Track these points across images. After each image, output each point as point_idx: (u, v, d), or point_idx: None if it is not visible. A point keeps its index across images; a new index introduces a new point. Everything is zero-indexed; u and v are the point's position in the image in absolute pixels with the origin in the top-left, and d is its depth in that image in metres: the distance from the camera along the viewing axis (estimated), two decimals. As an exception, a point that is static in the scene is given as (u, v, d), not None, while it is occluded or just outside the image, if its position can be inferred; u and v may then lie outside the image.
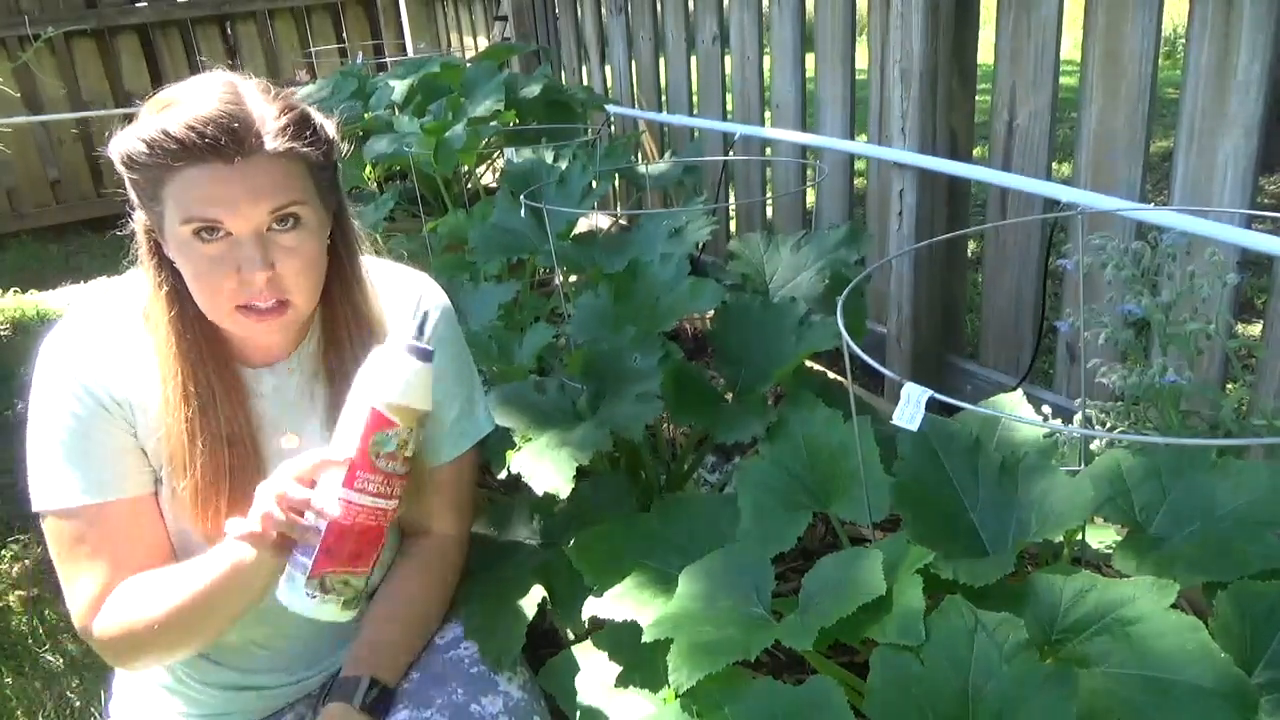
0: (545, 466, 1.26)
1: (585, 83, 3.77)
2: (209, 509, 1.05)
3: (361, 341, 1.07)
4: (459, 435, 1.20)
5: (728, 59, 2.85)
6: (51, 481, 1.03)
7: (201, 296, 1.00)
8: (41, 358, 1.06)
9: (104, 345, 1.05)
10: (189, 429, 1.03)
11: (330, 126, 1.05)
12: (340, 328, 1.10)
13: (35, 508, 1.04)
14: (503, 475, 1.29)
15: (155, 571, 1.05)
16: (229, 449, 1.05)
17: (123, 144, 0.96)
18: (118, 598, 1.04)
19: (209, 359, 1.05)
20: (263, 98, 0.99)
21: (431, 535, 1.21)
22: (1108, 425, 1.33)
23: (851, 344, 0.99)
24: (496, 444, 1.34)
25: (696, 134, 3.02)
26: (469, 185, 3.22)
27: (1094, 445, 1.28)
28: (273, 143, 0.96)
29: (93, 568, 1.04)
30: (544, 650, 1.26)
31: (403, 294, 1.17)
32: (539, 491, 1.23)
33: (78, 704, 1.67)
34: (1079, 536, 1.12)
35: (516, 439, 1.34)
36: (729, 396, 1.49)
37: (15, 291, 3.96)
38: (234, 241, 0.96)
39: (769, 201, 2.83)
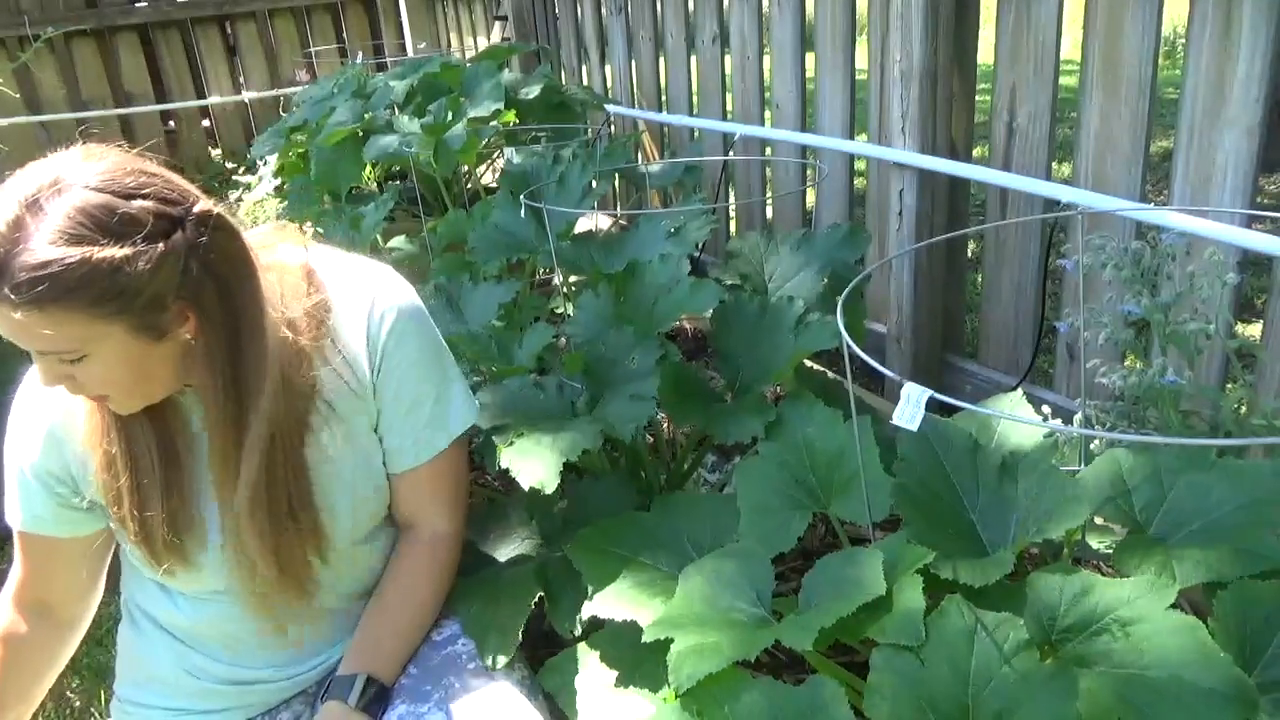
0: (531, 461, 1.25)
1: (585, 83, 3.77)
2: (122, 526, 1.08)
3: (250, 394, 1.01)
4: (433, 434, 1.17)
5: (728, 59, 2.85)
6: (9, 504, 1.12)
7: None
8: (12, 410, 1.10)
9: (47, 409, 1.07)
10: (92, 448, 1.05)
11: (152, 251, 0.89)
12: (215, 399, 1.00)
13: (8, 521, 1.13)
14: (497, 470, 1.29)
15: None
16: (133, 471, 1.05)
17: None
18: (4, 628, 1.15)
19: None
20: (57, 234, 0.85)
21: (424, 532, 1.21)
22: (1108, 425, 1.33)
23: (851, 344, 0.99)
24: (493, 442, 1.34)
25: (696, 134, 3.02)
26: (469, 185, 3.22)
27: (1094, 445, 1.28)
28: (20, 298, 0.85)
29: (31, 574, 1.16)
30: (544, 650, 1.26)
31: (356, 296, 1.12)
32: (524, 486, 1.23)
33: (78, 704, 1.67)
34: (1079, 536, 1.12)
35: (510, 435, 1.33)
36: (728, 396, 1.49)
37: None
38: None
39: (769, 201, 2.83)
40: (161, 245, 0.90)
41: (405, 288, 1.18)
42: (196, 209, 0.94)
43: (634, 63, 3.36)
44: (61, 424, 1.07)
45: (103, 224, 0.87)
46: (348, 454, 1.12)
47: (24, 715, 1.18)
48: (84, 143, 0.95)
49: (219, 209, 0.97)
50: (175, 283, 0.92)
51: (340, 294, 1.12)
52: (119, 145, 0.96)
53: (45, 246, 0.85)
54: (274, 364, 1.01)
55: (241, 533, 1.05)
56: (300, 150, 3.06)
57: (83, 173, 0.89)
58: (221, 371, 0.99)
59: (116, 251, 0.87)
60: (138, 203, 0.90)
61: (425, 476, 1.19)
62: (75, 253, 0.85)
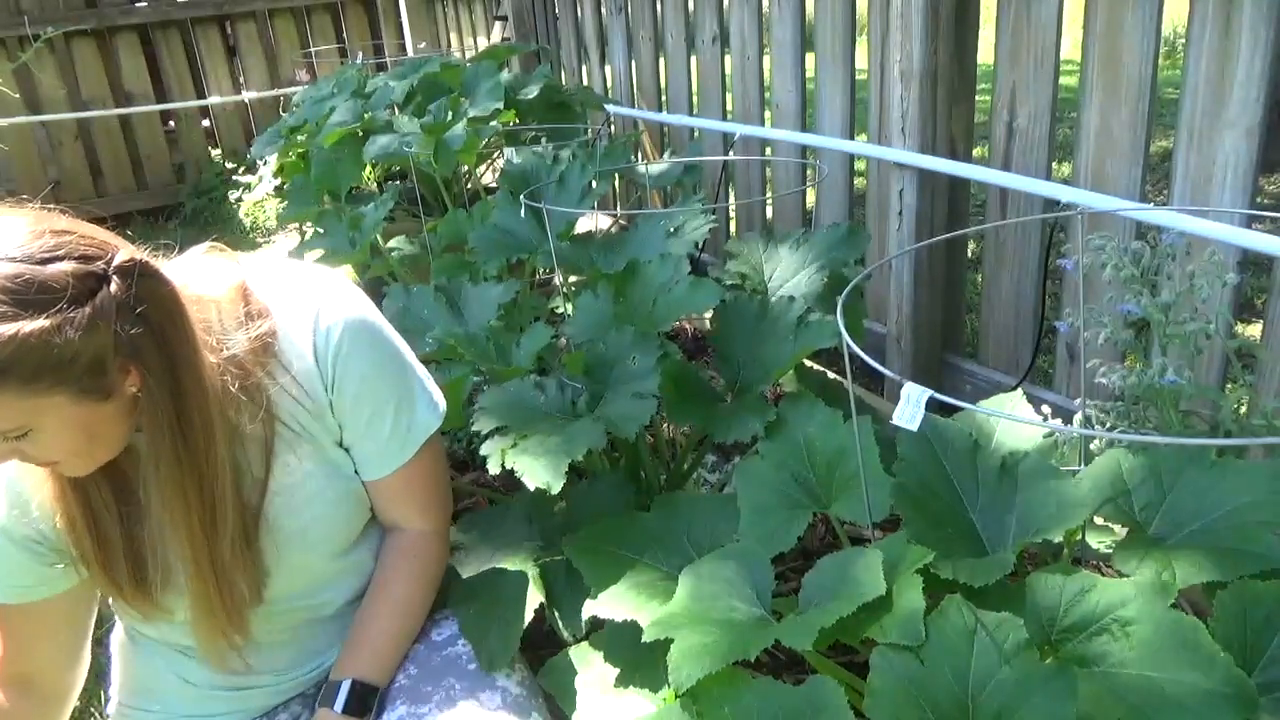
0: (538, 463, 1.25)
1: (585, 83, 3.77)
2: (93, 578, 1.06)
3: (198, 440, 0.98)
4: (400, 442, 1.14)
5: (728, 59, 2.85)
6: None
7: None
8: None
9: (5, 474, 1.03)
10: (52, 511, 1.02)
11: (86, 311, 0.86)
12: (164, 450, 0.96)
13: None
14: (498, 472, 1.29)
15: None
16: (92, 528, 1.02)
17: None
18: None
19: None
20: None
21: (408, 533, 1.21)
22: (1108, 425, 1.33)
23: (851, 344, 0.99)
24: (494, 444, 1.34)
25: (696, 134, 3.02)
26: (469, 185, 3.22)
27: (1094, 445, 1.28)
28: None
29: (10, 645, 1.10)
30: (544, 650, 1.26)
31: (299, 313, 1.07)
32: (530, 487, 1.22)
33: (78, 704, 1.67)
34: (1079, 536, 1.12)
35: (513, 437, 1.33)
36: (728, 396, 1.49)
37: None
38: None
39: (769, 201, 2.83)
40: (88, 308, 0.86)
41: (350, 296, 1.12)
42: (118, 260, 0.90)
43: (634, 63, 3.36)
44: (19, 479, 1.03)
45: (21, 298, 0.82)
46: (316, 471, 1.10)
47: None
48: None
49: (142, 255, 0.93)
50: (110, 342, 0.88)
51: (283, 312, 1.07)
52: (17, 200, 0.92)
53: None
54: (216, 406, 0.98)
55: (198, 573, 1.02)
56: (300, 150, 3.06)
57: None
58: (168, 422, 0.95)
59: (41, 323, 0.82)
60: (54, 267, 0.85)
61: (399, 482, 1.16)
62: (7, 329, 0.81)
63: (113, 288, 0.88)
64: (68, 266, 0.86)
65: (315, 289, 1.09)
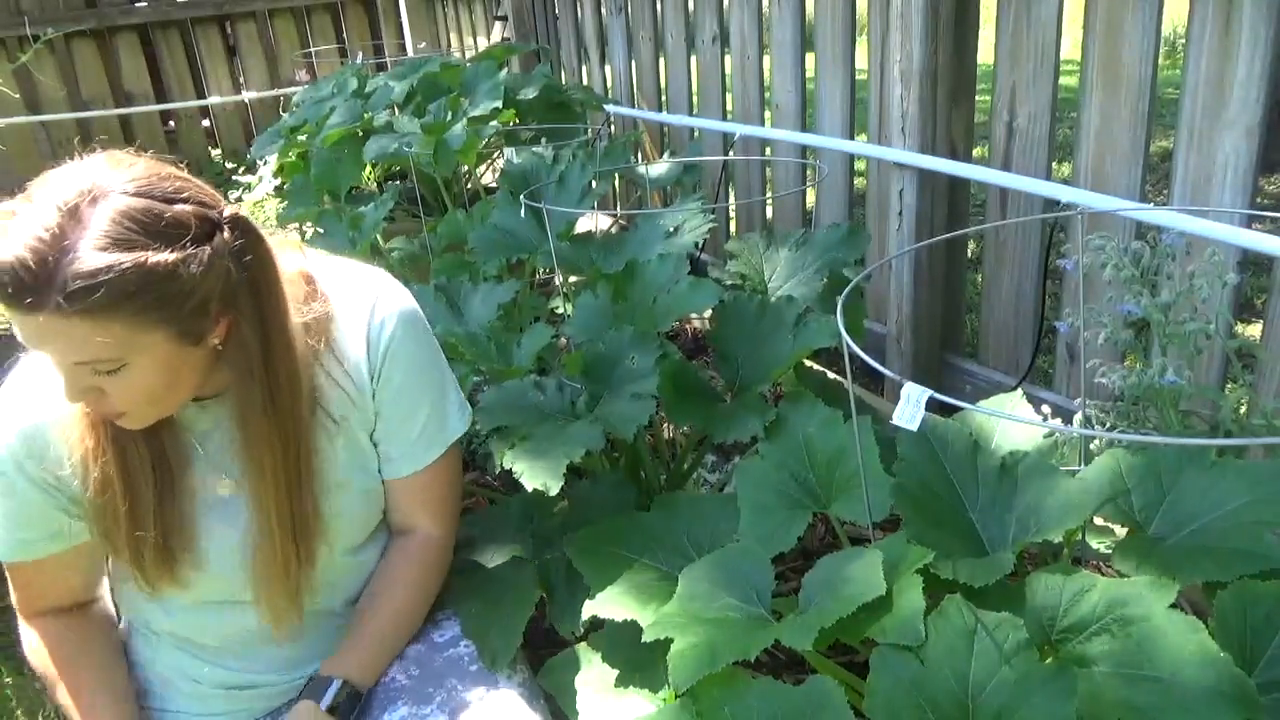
0: (536, 463, 1.25)
1: (585, 83, 3.77)
2: (112, 547, 1.06)
3: (284, 397, 1.02)
4: (428, 443, 1.17)
5: (728, 59, 2.85)
6: None
7: None
8: None
9: (30, 409, 1.02)
10: (83, 471, 1.02)
11: (201, 254, 0.89)
12: (253, 404, 1.00)
13: None
14: (498, 472, 1.29)
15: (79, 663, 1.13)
16: (127, 492, 1.02)
17: None
18: (46, 640, 1.13)
19: None
20: (103, 239, 0.84)
21: (415, 537, 1.21)
22: (1108, 425, 1.33)
23: (851, 344, 0.99)
24: (494, 444, 1.34)
25: (696, 134, 3.02)
26: (469, 185, 3.22)
27: (1094, 445, 1.28)
28: (69, 304, 0.83)
29: (25, 594, 1.14)
30: (544, 650, 1.26)
31: (356, 302, 1.12)
32: (529, 488, 1.23)
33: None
34: (1079, 536, 1.12)
35: (513, 438, 1.34)
36: (728, 396, 1.49)
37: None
38: None
39: (768, 201, 2.83)
40: (208, 248, 0.89)
41: (404, 292, 1.17)
42: (227, 211, 0.94)
43: (634, 63, 3.36)
44: (41, 427, 1.02)
45: (150, 228, 0.86)
46: (349, 463, 1.12)
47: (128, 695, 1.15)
48: (99, 149, 0.94)
49: (244, 212, 0.97)
50: (218, 286, 0.91)
51: (340, 300, 1.11)
52: (135, 150, 0.95)
53: (95, 253, 0.83)
54: (302, 363, 1.02)
55: (272, 533, 1.05)
56: (300, 150, 3.06)
57: (117, 179, 0.88)
58: (258, 376, 0.98)
59: (168, 255, 0.86)
60: (179, 206, 0.89)
61: (420, 483, 1.18)
62: (128, 258, 0.84)
63: (225, 234, 0.92)
64: (189, 208, 0.90)
65: (372, 282, 1.14)
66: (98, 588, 1.20)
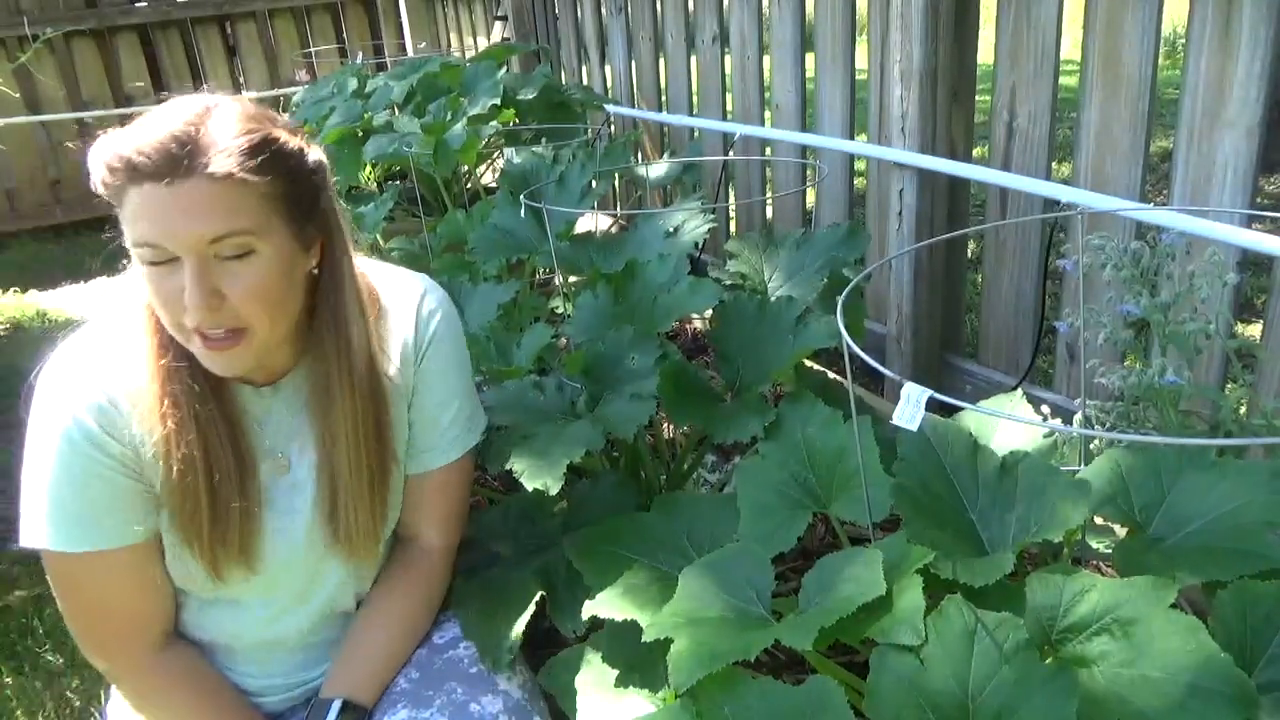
0: (536, 463, 1.26)
1: (585, 83, 3.77)
2: (190, 533, 1.03)
3: (354, 364, 1.05)
4: (454, 439, 1.20)
5: (728, 59, 2.85)
6: (48, 524, 1.01)
7: (164, 321, 0.97)
8: (39, 394, 1.02)
9: (101, 382, 1.00)
10: (166, 451, 0.99)
11: (313, 153, 1.01)
12: (328, 357, 1.05)
13: (28, 544, 1.02)
14: (499, 473, 1.29)
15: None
16: (211, 473, 1.01)
17: (92, 163, 0.92)
18: (144, 684, 1.11)
19: (197, 379, 1.01)
20: (236, 124, 0.94)
21: (419, 545, 1.21)
22: (1108, 425, 1.33)
23: (851, 344, 0.99)
24: (493, 443, 1.34)
25: (696, 134, 3.02)
26: (469, 185, 3.22)
27: (1094, 445, 1.28)
28: (215, 166, 0.90)
29: (90, 609, 1.07)
30: (544, 650, 1.26)
31: (405, 295, 1.17)
32: (529, 488, 1.23)
33: (78, 704, 1.67)
34: (1079, 536, 1.12)
35: (512, 438, 1.34)
36: (728, 396, 1.48)
37: (15, 291, 3.96)
38: (181, 266, 0.92)
39: (769, 201, 2.83)
40: (316, 155, 1.01)
41: (446, 295, 1.22)
42: (312, 148, 1.03)
43: (634, 63, 3.36)
44: (116, 401, 1.00)
45: (275, 122, 0.99)
46: (398, 434, 1.15)
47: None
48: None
49: None
50: (319, 195, 1.01)
51: (388, 287, 1.16)
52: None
53: (235, 127, 0.93)
54: (363, 314, 1.07)
55: (341, 477, 1.07)
56: (300, 150, 3.05)
57: (229, 99, 0.99)
58: (331, 306, 1.04)
59: (293, 139, 0.98)
60: (284, 125, 1.00)
61: (436, 482, 1.19)
62: (263, 130, 0.95)
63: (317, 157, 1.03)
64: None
65: (418, 282, 1.20)
66: (170, 618, 1.13)
